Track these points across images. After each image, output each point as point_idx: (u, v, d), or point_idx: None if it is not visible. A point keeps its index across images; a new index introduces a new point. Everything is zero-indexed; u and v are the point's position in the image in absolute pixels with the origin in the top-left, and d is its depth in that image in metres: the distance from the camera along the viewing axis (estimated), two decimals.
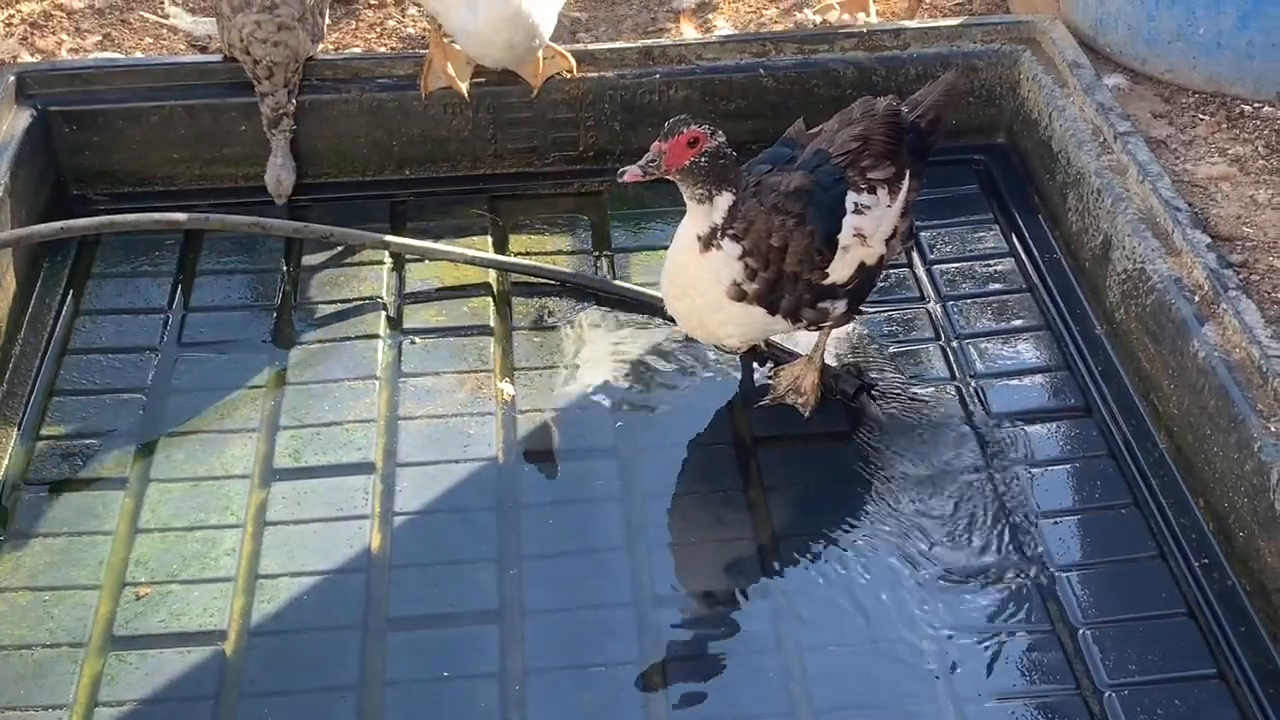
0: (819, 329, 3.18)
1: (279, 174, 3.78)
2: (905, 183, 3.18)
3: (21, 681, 2.68)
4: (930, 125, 3.27)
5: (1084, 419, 3.20)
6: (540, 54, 3.81)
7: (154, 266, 3.66)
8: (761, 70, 3.95)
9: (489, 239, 3.75)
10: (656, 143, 2.89)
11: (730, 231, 2.98)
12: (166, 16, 4.53)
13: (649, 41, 4.01)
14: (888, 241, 3.17)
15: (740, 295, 3.02)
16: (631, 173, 2.91)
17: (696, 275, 3.03)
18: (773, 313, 3.06)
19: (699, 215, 2.99)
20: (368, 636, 2.77)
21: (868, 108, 3.21)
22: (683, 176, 2.92)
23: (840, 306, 3.13)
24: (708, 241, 2.99)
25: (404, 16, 4.59)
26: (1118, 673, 2.66)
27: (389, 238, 3.64)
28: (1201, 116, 3.71)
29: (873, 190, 3.12)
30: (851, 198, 3.09)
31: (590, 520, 2.99)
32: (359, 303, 3.55)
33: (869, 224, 3.10)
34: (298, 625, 2.80)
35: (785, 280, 3.03)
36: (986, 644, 2.73)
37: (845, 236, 3.07)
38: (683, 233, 3.05)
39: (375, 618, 2.81)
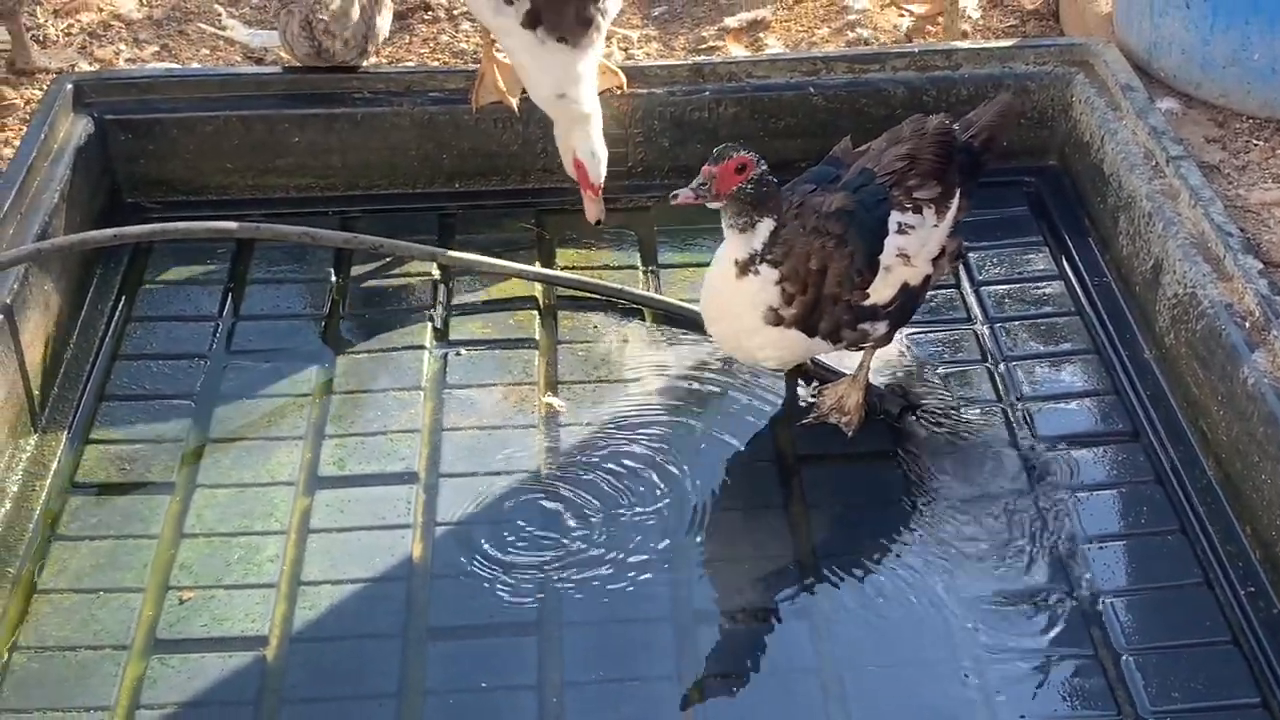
0: (860, 349, 3.17)
1: None
2: (954, 202, 3.17)
3: (64, 683, 2.70)
4: (984, 145, 3.26)
5: (1131, 444, 3.18)
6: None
7: (205, 275, 3.69)
8: (811, 89, 3.95)
9: (536, 253, 3.76)
10: (706, 166, 2.89)
11: (769, 257, 2.98)
12: (223, 29, 4.58)
13: (700, 59, 4.02)
14: (934, 261, 3.16)
15: (777, 320, 3.02)
16: (684, 195, 2.91)
17: (732, 299, 3.03)
18: (811, 335, 3.06)
19: (739, 241, 2.99)
20: (407, 645, 2.78)
21: (918, 126, 3.20)
22: (728, 203, 2.92)
23: (881, 328, 3.12)
24: (745, 267, 2.99)
25: (457, 32, 4.62)
26: (1160, 700, 2.63)
27: (438, 249, 3.66)
28: (1255, 142, 3.69)
29: (918, 210, 3.10)
30: (895, 217, 3.08)
31: (630, 534, 2.99)
32: (406, 314, 3.57)
33: (913, 244, 3.09)
34: (338, 633, 2.81)
35: (825, 302, 3.02)
36: (1028, 668, 2.71)
37: (888, 257, 3.06)
38: (721, 256, 3.05)
39: (415, 627, 2.81)
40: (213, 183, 3.94)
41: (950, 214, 3.17)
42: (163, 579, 2.90)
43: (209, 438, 3.23)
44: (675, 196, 2.91)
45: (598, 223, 3.64)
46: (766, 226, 2.96)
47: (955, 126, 3.24)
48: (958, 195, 3.18)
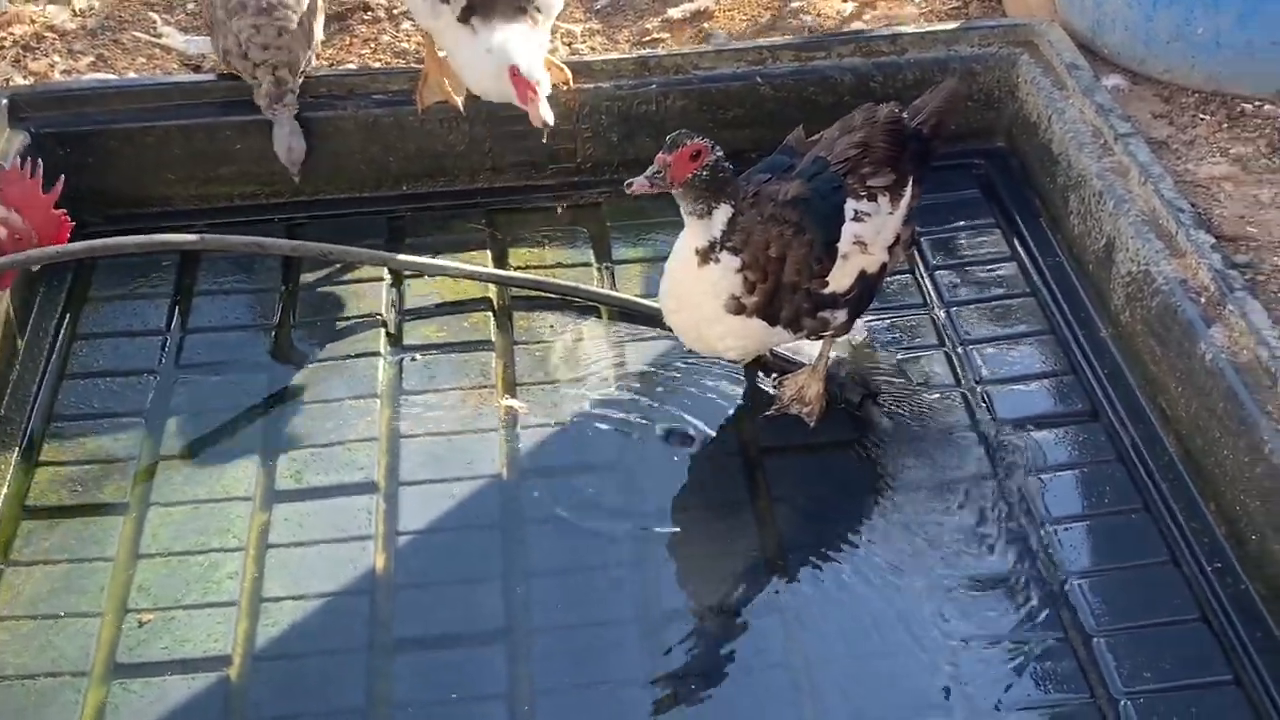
0: (820, 338, 3.15)
1: (289, 141, 3.71)
2: (908, 189, 3.16)
3: (23, 713, 2.65)
4: (933, 131, 3.25)
5: (1091, 423, 3.17)
6: None
7: (151, 288, 3.63)
8: (759, 79, 3.92)
9: (488, 253, 3.72)
10: (660, 155, 2.86)
11: (729, 244, 2.96)
12: (159, 36, 4.50)
13: (645, 52, 3.99)
14: (890, 249, 3.15)
15: (739, 309, 2.99)
16: (639, 184, 2.88)
17: (694, 289, 3.01)
18: (772, 324, 3.04)
19: (698, 229, 2.96)
20: (374, 659, 2.74)
21: (869, 115, 3.18)
22: (684, 190, 2.89)
23: (841, 316, 3.10)
24: (705, 255, 2.97)
25: (398, 31, 4.56)
26: (1133, 680, 2.63)
27: (389, 255, 3.61)
28: (1202, 116, 3.69)
29: (873, 197, 3.09)
30: (851, 205, 3.06)
31: (596, 536, 2.97)
32: (358, 320, 3.53)
33: (869, 231, 3.08)
34: (303, 649, 2.77)
35: (784, 291, 3.00)
36: (999, 654, 2.70)
37: (845, 244, 3.04)
38: (680, 246, 3.02)
39: (381, 640, 2.78)
40: (155, 194, 3.88)
41: (904, 201, 3.15)
42: (121, 602, 2.85)
43: (162, 455, 3.17)
44: (630, 186, 2.88)
45: (546, 127, 3.47)
46: (724, 213, 2.93)
47: (905, 114, 3.23)
48: (911, 182, 3.17)
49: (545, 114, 3.43)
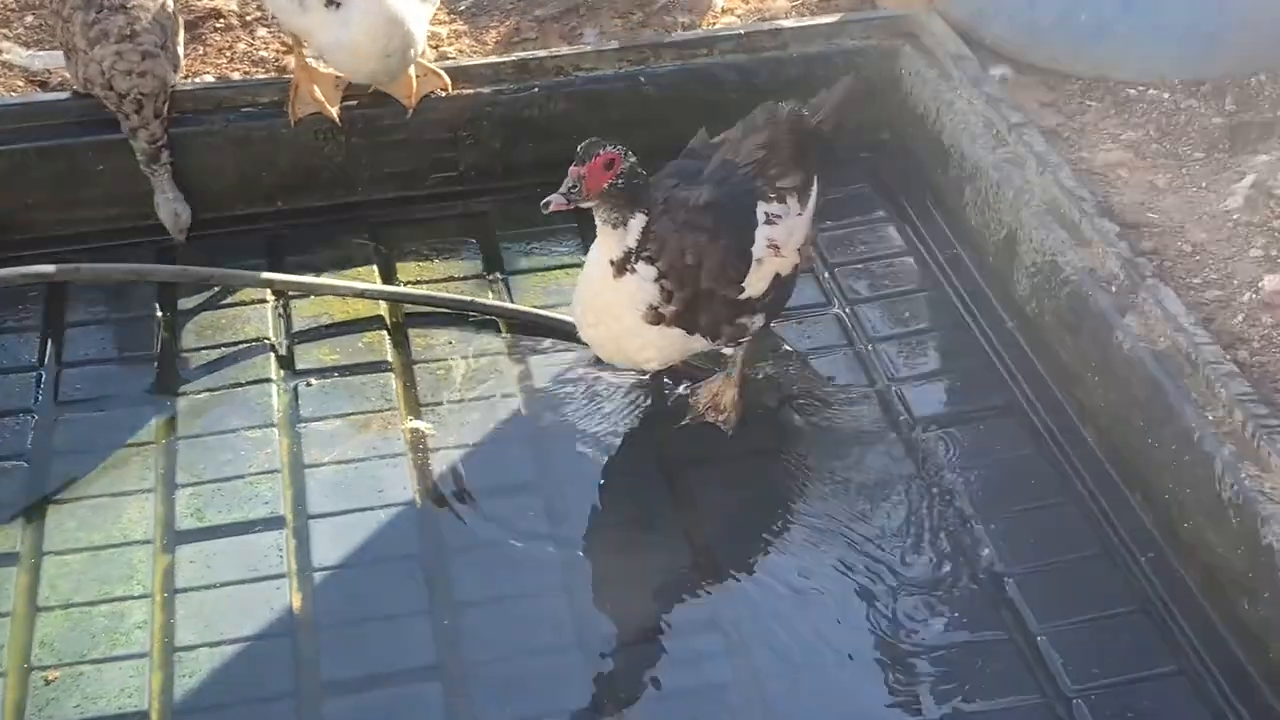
0: (739, 345, 3.09)
1: (174, 208, 3.57)
2: (814, 189, 3.11)
3: None
4: (833, 128, 3.21)
5: (1007, 417, 3.16)
6: (413, 72, 3.66)
7: (18, 321, 3.44)
8: (642, 79, 3.85)
9: (375, 269, 3.59)
10: (573, 167, 2.76)
11: (645, 254, 2.88)
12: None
13: (525, 54, 3.89)
14: (800, 250, 3.10)
15: (657, 319, 2.92)
16: (556, 202, 2.78)
17: (612, 301, 2.92)
18: (691, 332, 2.97)
19: (612, 239, 2.87)
20: (302, 704, 2.61)
21: (770, 114, 3.13)
22: (600, 201, 2.80)
23: (759, 320, 3.04)
24: (621, 266, 2.88)
25: (254, 39, 4.39)
26: (1081, 677, 2.61)
27: (276, 276, 3.46)
28: (1089, 103, 3.70)
29: (782, 199, 3.04)
30: (762, 208, 3.01)
31: (521, 561, 2.87)
32: (245, 345, 3.37)
33: (781, 234, 3.02)
34: (225, 699, 2.63)
35: (702, 298, 2.93)
36: (946, 658, 2.67)
37: (759, 248, 2.98)
38: (594, 258, 2.93)
39: (308, 683, 2.65)
40: (14, 220, 3.66)
41: (811, 201, 3.11)
42: (23, 659, 2.68)
43: (50, 499, 2.99)
44: (547, 206, 2.78)
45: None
46: (639, 222, 2.85)
47: (805, 112, 3.18)
48: (816, 181, 3.12)
49: None
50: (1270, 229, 3.20)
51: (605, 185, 2.78)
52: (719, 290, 2.94)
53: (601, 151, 2.77)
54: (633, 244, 2.86)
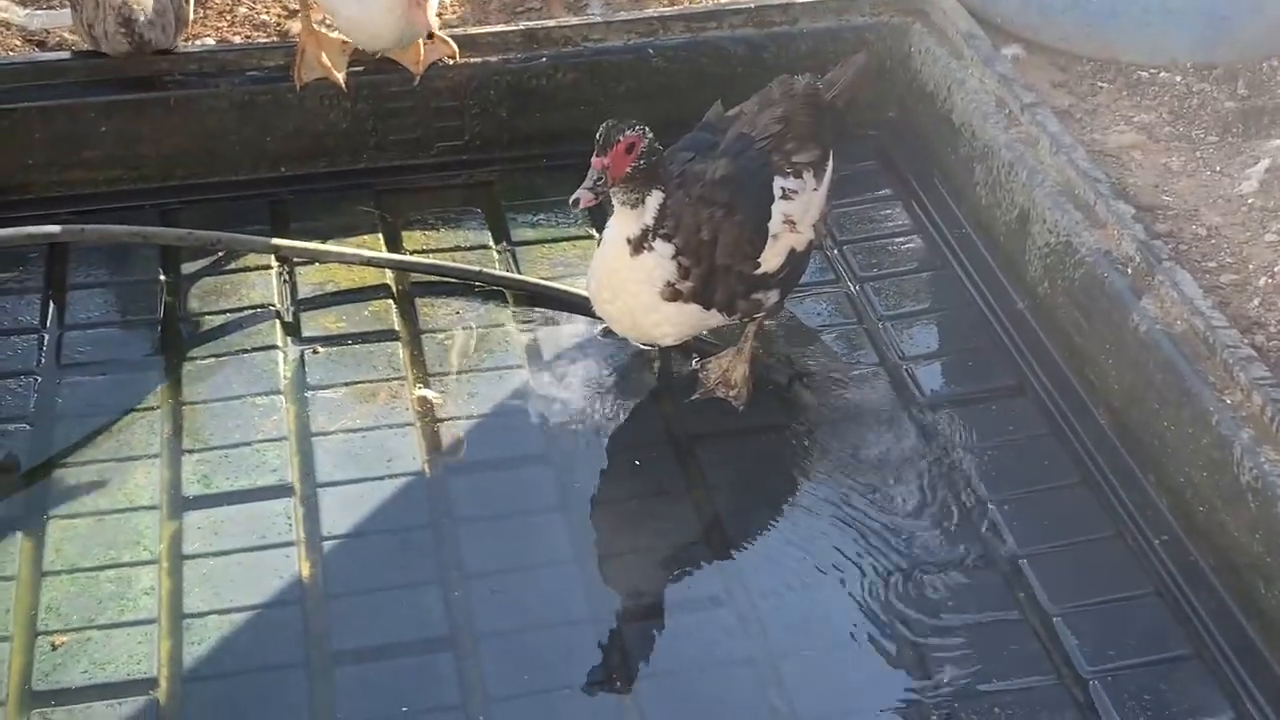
0: (753, 319, 3.07)
1: None
2: (830, 164, 3.10)
3: None
4: (846, 105, 3.19)
5: (1019, 397, 3.15)
6: (421, 40, 3.62)
7: (19, 282, 3.39)
8: (650, 50, 3.82)
9: (380, 236, 3.56)
10: (595, 158, 2.74)
11: (662, 231, 2.85)
12: None
13: (533, 24, 3.85)
14: (815, 225, 3.08)
15: (675, 295, 2.90)
16: (585, 198, 2.76)
17: (628, 278, 2.90)
18: (708, 308, 2.95)
19: (629, 217, 2.85)
20: (313, 674, 2.58)
21: (787, 88, 3.11)
22: (621, 184, 2.78)
23: (773, 295, 3.03)
24: (639, 244, 2.86)
25: (255, 3, 4.35)
26: (1097, 659, 2.60)
27: (282, 241, 3.42)
28: (1100, 84, 3.69)
29: (799, 174, 3.02)
30: (779, 183, 2.99)
31: (532, 533, 2.84)
32: (250, 311, 3.33)
33: (798, 209, 3.00)
34: (235, 667, 2.59)
35: (718, 274, 2.91)
36: (961, 638, 2.65)
37: (775, 224, 2.97)
38: (611, 235, 2.91)
39: (318, 653, 2.62)
40: (13, 181, 3.61)
41: (827, 176, 3.10)
42: (30, 624, 2.64)
43: (55, 463, 2.95)
44: (576, 203, 2.76)
45: (430, 36, 3.40)
46: (655, 199, 2.82)
47: (820, 86, 3.16)
48: (831, 156, 3.10)
49: (432, 20, 3.35)
50: None
51: (629, 169, 2.75)
52: (735, 266, 2.92)
53: (621, 136, 2.74)
54: (650, 222, 2.84)
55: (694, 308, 2.91)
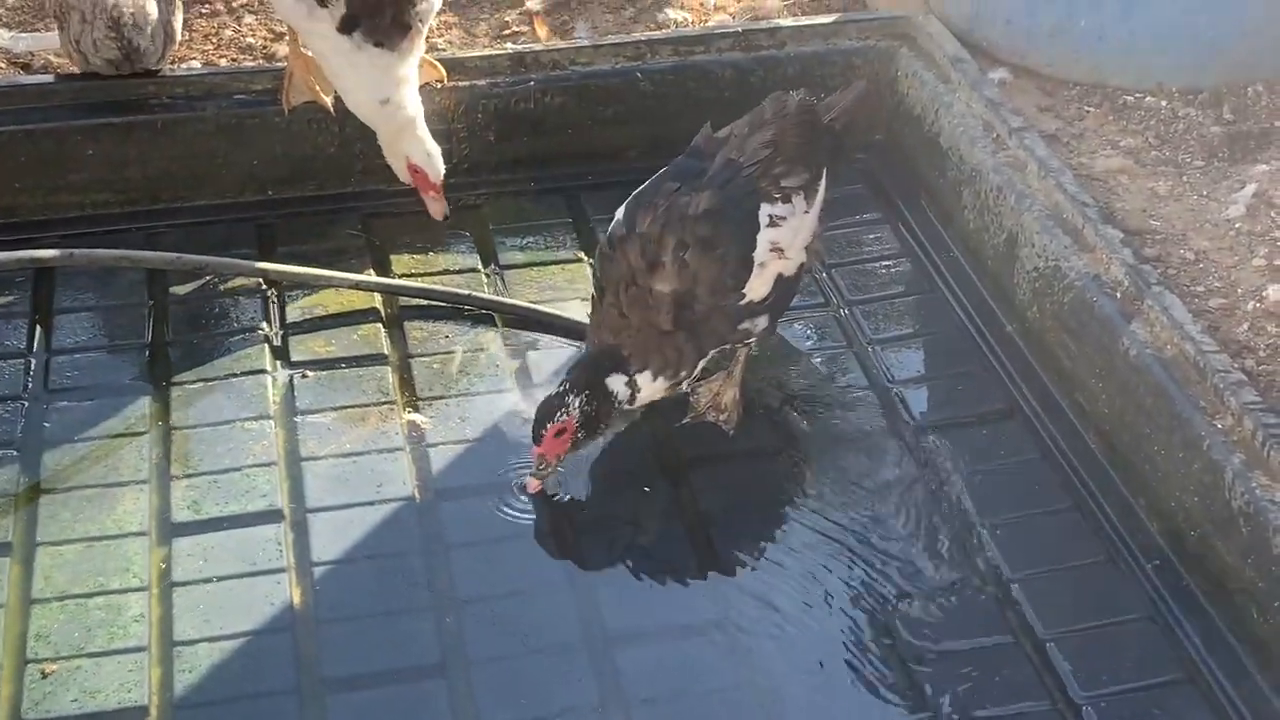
0: (745, 345, 3.07)
1: None
2: (822, 185, 3.09)
3: None
4: (844, 128, 3.19)
5: (1009, 421, 3.15)
6: None
7: (5, 308, 3.37)
8: (638, 74, 3.83)
9: (368, 260, 3.55)
10: (533, 449, 2.85)
11: (638, 372, 2.90)
12: None
13: (521, 47, 3.85)
14: (807, 248, 3.08)
15: (678, 383, 2.97)
16: (530, 484, 2.89)
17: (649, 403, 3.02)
18: (703, 353, 2.95)
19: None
20: (304, 702, 2.57)
21: (779, 106, 3.09)
22: (577, 448, 2.88)
23: (762, 322, 3.02)
24: (631, 398, 2.93)
25: (240, 25, 4.34)
26: (1090, 684, 2.60)
27: (269, 265, 3.41)
28: (1087, 109, 3.71)
29: (788, 198, 3.01)
30: (766, 210, 2.97)
31: (525, 558, 2.84)
32: (239, 336, 3.32)
33: (786, 235, 2.99)
34: (226, 694, 2.58)
35: (700, 323, 2.91)
36: (954, 665, 2.64)
37: (761, 252, 2.95)
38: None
39: (310, 680, 2.60)
40: None
41: (819, 197, 3.09)
42: (18, 652, 2.62)
43: (42, 489, 2.94)
44: (523, 487, 2.89)
45: (445, 218, 3.47)
46: (618, 381, 2.89)
47: (816, 104, 3.16)
48: (824, 177, 3.10)
49: (444, 210, 3.47)
50: (1272, 239, 3.21)
51: (568, 446, 2.84)
52: (718, 303, 2.91)
53: (547, 427, 2.82)
54: (625, 394, 2.90)
55: (689, 349, 2.93)
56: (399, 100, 3.39)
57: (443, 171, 3.43)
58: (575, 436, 2.85)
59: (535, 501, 2.92)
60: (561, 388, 2.87)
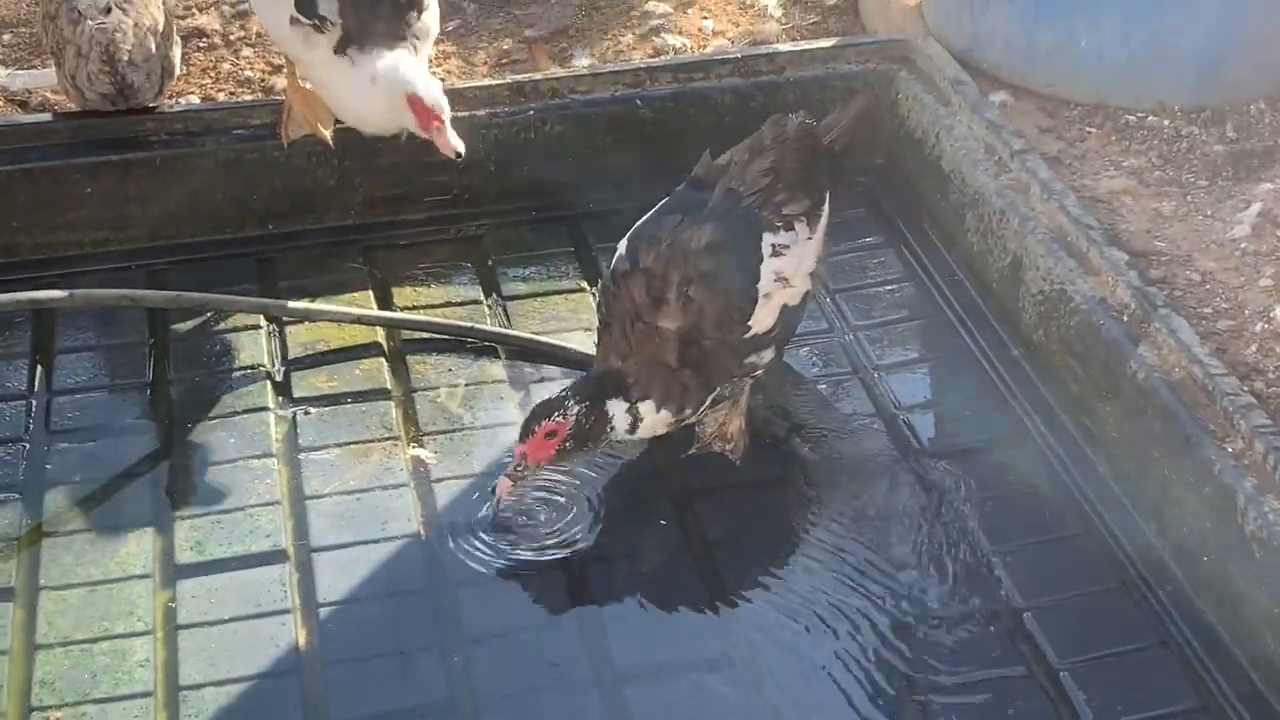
0: (753, 377, 3.05)
1: None
2: (825, 209, 3.06)
3: None
4: (844, 149, 3.17)
5: (1016, 446, 3.13)
6: None
7: (5, 348, 3.36)
8: (638, 101, 3.81)
9: (370, 294, 3.53)
10: (517, 446, 2.79)
11: (640, 401, 2.85)
12: None
13: (520, 76, 3.84)
14: (810, 275, 3.06)
15: (680, 418, 2.93)
16: (502, 485, 2.82)
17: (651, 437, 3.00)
18: (710, 390, 2.93)
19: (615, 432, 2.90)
20: None
21: (778, 131, 3.06)
22: (560, 459, 2.83)
23: (769, 354, 2.99)
24: (633, 427, 2.88)
25: (238, 59, 4.33)
26: (1105, 714, 2.57)
27: (271, 302, 3.40)
28: (1089, 129, 3.69)
29: (790, 226, 2.98)
30: (769, 240, 2.94)
31: (532, 593, 2.81)
32: (241, 373, 3.30)
33: (790, 264, 2.97)
34: None
35: (707, 358, 2.88)
36: (968, 694, 2.62)
37: (766, 283, 2.92)
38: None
39: None
40: None
41: (822, 222, 3.06)
42: (23, 700, 2.60)
43: (44, 532, 2.92)
44: (493, 490, 2.84)
45: (458, 156, 3.29)
46: (619, 407, 2.84)
47: (816, 126, 3.13)
48: (827, 200, 3.07)
49: (455, 141, 3.26)
50: (1278, 258, 3.19)
51: (554, 453, 2.78)
52: (724, 337, 2.89)
53: (539, 425, 2.76)
54: (627, 423, 2.86)
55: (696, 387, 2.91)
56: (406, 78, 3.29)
57: (443, 101, 3.28)
58: (564, 444, 2.79)
59: (539, 537, 2.90)
60: (563, 393, 2.82)
